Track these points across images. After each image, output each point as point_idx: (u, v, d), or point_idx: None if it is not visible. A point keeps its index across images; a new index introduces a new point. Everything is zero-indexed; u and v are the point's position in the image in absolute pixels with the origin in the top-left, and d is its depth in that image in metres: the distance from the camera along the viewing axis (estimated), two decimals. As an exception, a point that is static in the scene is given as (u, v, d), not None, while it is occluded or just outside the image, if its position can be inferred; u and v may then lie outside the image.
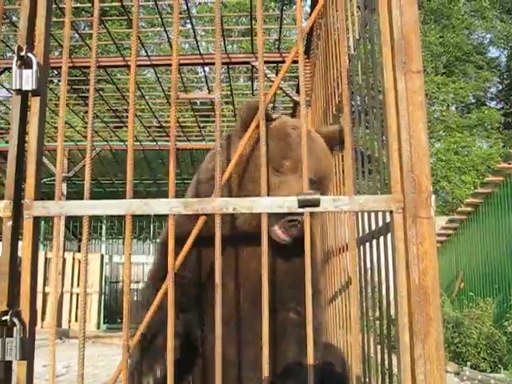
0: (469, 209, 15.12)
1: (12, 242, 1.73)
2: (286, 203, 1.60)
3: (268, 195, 1.63)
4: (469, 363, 9.76)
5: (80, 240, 15.93)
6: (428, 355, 1.59)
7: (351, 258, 1.73)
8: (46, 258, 12.31)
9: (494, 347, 9.94)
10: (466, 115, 31.44)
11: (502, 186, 13.07)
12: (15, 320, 1.64)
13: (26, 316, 1.68)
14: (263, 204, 1.60)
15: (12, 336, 1.65)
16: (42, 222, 14.35)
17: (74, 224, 15.26)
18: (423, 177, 1.67)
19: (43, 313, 12.22)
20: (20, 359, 1.65)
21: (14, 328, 1.64)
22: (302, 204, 1.58)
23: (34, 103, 1.76)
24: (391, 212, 1.65)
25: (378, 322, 2.50)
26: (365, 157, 2.78)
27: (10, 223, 1.72)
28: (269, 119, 2.28)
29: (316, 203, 1.58)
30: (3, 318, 1.64)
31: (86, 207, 1.67)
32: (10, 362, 1.67)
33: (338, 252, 3.41)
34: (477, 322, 10.47)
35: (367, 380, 2.65)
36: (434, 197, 1.67)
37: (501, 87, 33.46)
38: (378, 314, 2.49)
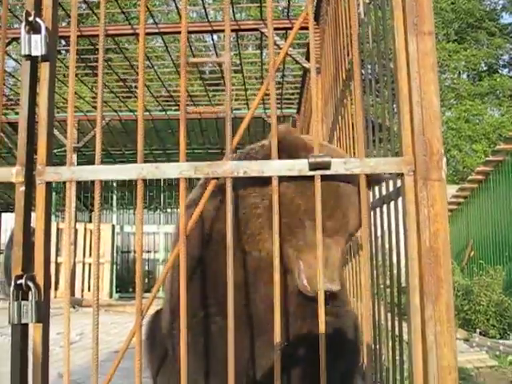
0: (479, 177, 15.04)
1: (25, 209, 1.75)
2: (296, 166, 1.60)
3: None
4: (478, 330, 9.82)
5: (91, 211, 16.04)
6: (438, 317, 1.60)
7: (363, 223, 1.73)
8: (58, 229, 12.41)
9: (504, 314, 9.99)
10: (477, 83, 31.06)
11: (514, 153, 12.98)
12: (30, 284, 1.67)
13: (40, 280, 1.70)
14: (273, 167, 1.60)
15: (27, 299, 1.67)
16: (54, 193, 14.44)
17: (85, 195, 15.35)
18: (434, 139, 1.66)
19: (56, 283, 12.37)
20: (36, 322, 1.68)
21: (29, 292, 1.67)
22: (313, 167, 1.58)
23: (44, 69, 1.76)
24: (402, 174, 1.65)
25: (388, 290, 2.51)
26: (376, 125, 2.76)
27: (22, 188, 1.74)
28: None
29: (327, 166, 1.58)
30: (18, 282, 1.67)
31: (98, 172, 1.68)
32: (27, 325, 1.71)
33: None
34: (486, 289, 10.49)
35: (377, 346, 2.68)
36: (445, 159, 1.67)
37: (513, 54, 32.95)
38: (388, 281, 2.50)
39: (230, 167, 1.61)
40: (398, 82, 1.71)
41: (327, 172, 1.60)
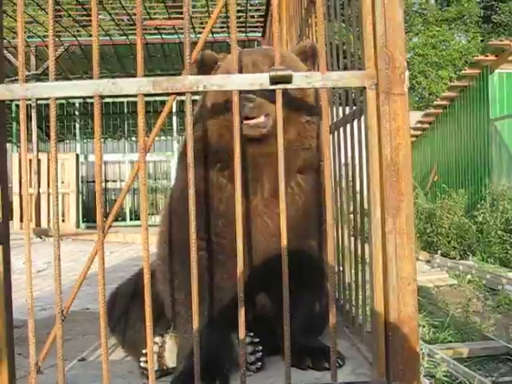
0: (444, 102, 15.16)
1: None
2: (257, 80, 1.56)
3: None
4: (439, 252, 10.15)
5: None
6: (399, 230, 1.63)
7: (324, 137, 1.72)
8: (20, 160, 12.18)
9: (464, 236, 10.32)
10: (445, 8, 30.78)
11: (478, 78, 13.04)
12: (-13, 205, 1.63)
13: (-3, 200, 1.67)
14: (234, 81, 1.56)
15: (-15, 221, 1.64)
16: (15, 124, 14.06)
17: (46, 124, 14.97)
18: (397, 52, 1.64)
19: (22, 214, 12.24)
20: (-5, 243, 1.65)
21: (-13, 213, 1.63)
22: (274, 80, 1.54)
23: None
24: (364, 88, 1.63)
25: (351, 216, 2.54)
26: (340, 51, 2.71)
27: (-27, 107, 1.67)
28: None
29: (288, 80, 1.55)
30: (-26, 204, 1.63)
31: (52, 88, 1.62)
32: (-14, 247, 1.68)
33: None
34: (449, 212, 10.78)
35: (341, 268, 2.73)
36: (407, 73, 1.65)
37: (481, -22, 32.58)
38: (352, 207, 2.52)
39: (190, 82, 1.57)
40: (362, -8, 1.66)
41: (288, 86, 1.57)
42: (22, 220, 12.10)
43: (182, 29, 11.43)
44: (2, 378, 1.64)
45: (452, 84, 15.09)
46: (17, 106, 13.49)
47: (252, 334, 2.00)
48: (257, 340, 2.01)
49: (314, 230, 2.14)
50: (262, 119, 1.90)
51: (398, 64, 1.63)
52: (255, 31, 11.49)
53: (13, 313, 1.75)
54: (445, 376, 4.04)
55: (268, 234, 2.06)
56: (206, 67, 2.08)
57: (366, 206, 2.18)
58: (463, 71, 13.97)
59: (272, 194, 2.01)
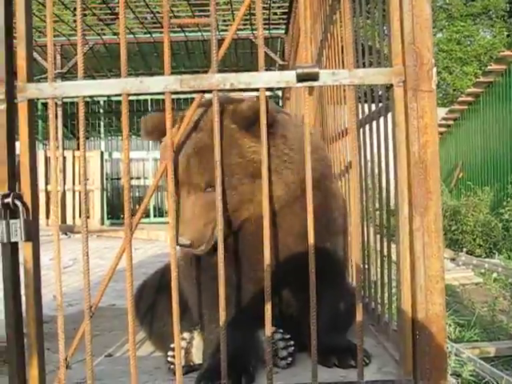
0: (469, 99, 14.96)
1: (7, 127, 1.71)
2: (284, 78, 1.56)
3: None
4: (464, 249, 10.04)
5: (79, 138, 15.82)
6: (427, 227, 1.62)
7: (350, 134, 1.71)
8: (45, 157, 12.31)
9: (490, 234, 10.19)
10: (470, 3, 30.30)
11: (505, 74, 12.85)
12: (17, 202, 1.65)
13: (27, 198, 1.69)
14: (262, 79, 1.56)
15: (16, 218, 1.66)
16: (40, 122, 14.24)
17: (71, 122, 15.13)
18: (425, 49, 1.62)
19: (48, 211, 12.39)
20: (25, 240, 1.67)
21: (17, 210, 1.65)
22: (301, 78, 1.54)
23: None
24: (391, 85, 1.62)
25: (377, 213, 2.53)
26: (366, 48, 2.69)
27: (3, 106, 1.69)
28: None
29: (315, 77, 1.54)
30: (5, 201, 1.65)
31: (80, 87, 1.64)
32: (16, 244, 1.70)
33: (338, 137, 3.39)
34: (474, 210, 10.66)
35: (366, 266, 2.72)
36: (435, 69, 1.63)
37: (508, -28, 32.03)
38: (377, 205, 2.51)
39: (217, 80, 1.57)
40: (389, -11, 1.65)
41: (315, 83, 1.56)
42: (47, 217, 12.26)
43: (205, 26, 11.47)
44: (32, 372, 1.66)
45: (477, 80, 14.90)
46: (42, 104, 13.68)
47: (282, 330, 2.02)
48: (288, 336, 2.02)
49: (332, 230, 2.16)
50: (203, 247, 1.93)
51: (426, 60, 1.61)
52: (278, 28, 11.46)
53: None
54: (471, 376, 4.00)
55: (290, 233, 2.06)
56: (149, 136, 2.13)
57: (391, 203, 2.17)
58: (489, 67, 13.78)
59: None
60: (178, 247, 1.85)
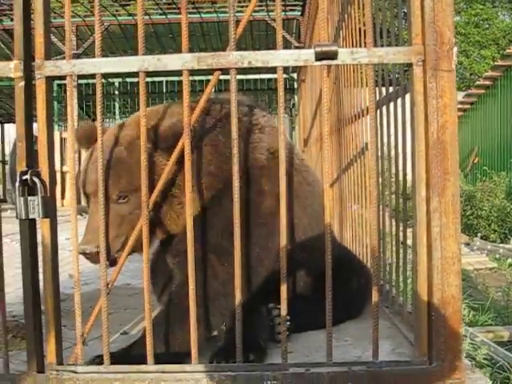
0: (487, 83, 14.78)
1: (25, 104, 1.71)
2: (302, 56, 1.55)
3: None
4: (479, 234, 9.99)
5: (94, 120, 15.87)
6: (444, 209, 1.60)
7: (369, 114, 1.70)
8: (61, 138, 12.37)
9: (505, 219, 10.13)
10: (489, -15, 29.85)
11: (523, 58, 12.68)
12: (35, 179, 1.66)
13: (45, 175, 1.70)
14: (280, 57, 1.55)
15: (34, 195, 1.67)
16: (56, 103, 14.28)
17: (86, 103, 15.17)
18: (446, 28, 1.60)
19: (63, 192, 12.46)
20: (43, 217, 1.68)
21: (35, 187, 1.66)
22: (319, 57, 1.53)
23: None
24: (411, 64, 1.60)
25: (393, 198, 2.51)
26: (384, 31, 2.66)
27: (21, 84, 1.70)
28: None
29: (333, 56, 1.53)
30: (23, 178, 1.66)
31: (98, 64, 1.64)
32: (34, 221, 1.72)
33: (354, 119, 3.36)
34: (489, 195, 10.59)
35: (381, 250, 2.71)
36: (455, 49, 1.61)
37: (529, -47, 31.39)
38: (394, 189, 2.50)
39: (235, 57, 1.56)
40: (410, -34, 1.62)
41: (333, 62, 1.55)
42: (63, 197, 12.34)
43: (220, 8, 11.41)
44: (50, 348, 1.68)
45: (495, 63, 14.70)
46: (57, 85, 13.70)
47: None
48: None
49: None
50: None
51: (446, 40, 1.59)
52: (294, 10, 11.35)
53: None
54: (485, 359, 3.99)
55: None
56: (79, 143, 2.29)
57: (407, 186, 2.16)
58: (507, 50, 13.60)
59: None
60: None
